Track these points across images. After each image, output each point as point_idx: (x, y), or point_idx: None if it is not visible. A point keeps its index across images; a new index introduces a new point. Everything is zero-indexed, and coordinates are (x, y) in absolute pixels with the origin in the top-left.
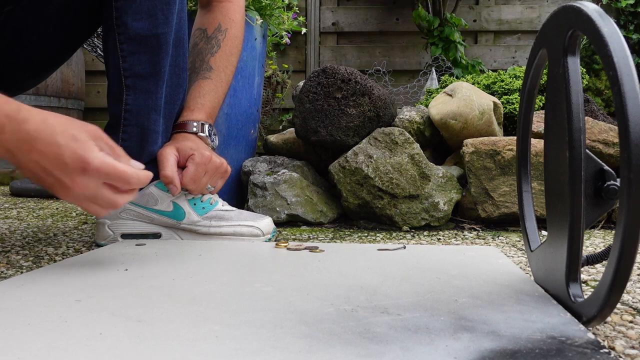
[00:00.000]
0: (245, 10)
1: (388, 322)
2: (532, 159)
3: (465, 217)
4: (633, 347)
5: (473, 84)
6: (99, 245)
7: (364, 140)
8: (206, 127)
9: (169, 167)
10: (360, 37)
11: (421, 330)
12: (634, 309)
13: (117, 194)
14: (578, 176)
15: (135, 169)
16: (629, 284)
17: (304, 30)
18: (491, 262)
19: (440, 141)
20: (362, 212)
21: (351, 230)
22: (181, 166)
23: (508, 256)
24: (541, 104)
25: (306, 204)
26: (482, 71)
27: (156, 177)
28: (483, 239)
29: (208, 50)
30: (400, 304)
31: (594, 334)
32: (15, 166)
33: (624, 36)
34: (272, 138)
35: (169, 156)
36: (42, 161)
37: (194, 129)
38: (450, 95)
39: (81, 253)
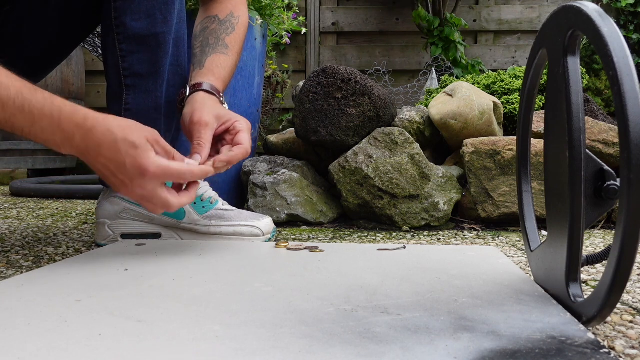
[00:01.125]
0: None
1: (388, 322)
2: (532, 159)
3: (465, 217)
4: (633, 347)
5: (473, 84)
6: (99, 245)
7: (364, 140)
8: (226, 103)
9: (207, 136)
10: (360, 37)
11: (421, 330)
12: (634, 309)
13: (173, 195)
14: (578, 176)
15: (188, 166)
16: (629, 284)
17: (304, 30)
18: (491, 262)
19: (440, 141)
20: (362, 212)
21: (351, 230)
22: (217, 133)
23: (508, 256)
24: (541, 104)
25: (306, 204)
26: (482, 71)
27: None
28: (483, 239)
29: (223, 31)
30: (400, 304)
31: (594, 334)
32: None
33: (624, 36)
34: (272, 138)
35: (209, 128)
36: (108, 164)
37: (222, 98)
38: (450, 95)
39: (81, 253)
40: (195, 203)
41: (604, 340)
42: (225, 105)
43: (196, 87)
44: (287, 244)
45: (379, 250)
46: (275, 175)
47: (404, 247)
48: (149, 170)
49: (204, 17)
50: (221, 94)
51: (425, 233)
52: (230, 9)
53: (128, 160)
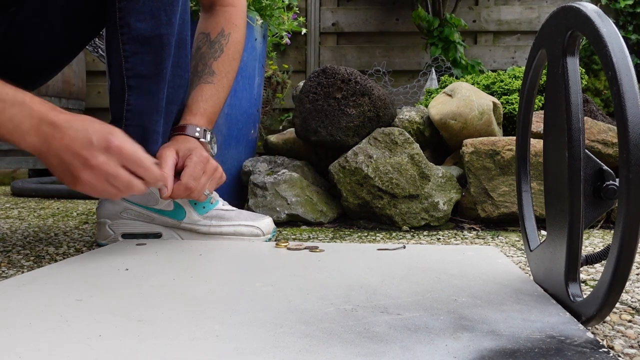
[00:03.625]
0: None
1: (388, 321)
2: (532, 159)
3: (465, 217)
4: (632, 347)
5: (473, 84)
6: (99, 245)
7: (364, 140)
8: (208, 134)
9: (166, 168)
10: (360, 38)
11: (421, 330)
12: (633, 308)
13: (134, 177)
14: (577, 176)
15: (151, 161)
16: (627, 283)
17: (304, 31)
18: (490, 262)
19: (439, 141)
20: (362, 212)
21: (351, 230)
22: (179, 168)
23: (507, 256)
24: (540, 104)
25: (306, 203)
26: (482, 71)
27: None
28: (482, 238)
29: (211, 55)
30: (400, 303)
31: (593, 333)
32: (42, 156)
33: (623, 37)
34: (272, 138)
35: (168, 158)
36: (72, 144)
37: (197, 134)
38: (450, 96)
39: (82, 253)
40: (195, 203)
41: (603, 340)
42: (204, 140)
43: (177, 131)
44: (287, 243)
45: (378, 250)
46: (275, 175)
47: (404, 247)
48: (114, 142)
49: (200, 31)
50: (197, 128)
51: (425, 233)
52: (222, 25)
53: (95, 134)
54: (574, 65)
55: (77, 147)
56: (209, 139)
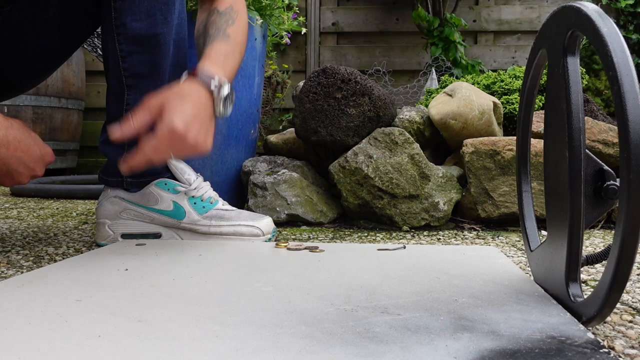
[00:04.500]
0: None
1: (388, 321)
2: (532, 159)
3: (465, 217)
4: (632, 347)
5: (473, 84)
6: (99, 245)
7: (364, 140)
8: (226, 87)
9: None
10: (360, 37)
11: (421, 330)
12: (634, 308)
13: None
14: (578, 176)
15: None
16: (628, 283)
17: (304, 31)
18: (491, 262)
19: (440, 141)
20: (362, 212)
21: (351, 230)
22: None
23: (508, 256)
24: (541, 104)
25: (306, 204)
26: (482, 71)
27: (156, 176)
28: (483, 238)
29: (224, 22)
30: (400, 303)
31: (593, 333)
32: None
33: (624, 36)
34: (272, 138)
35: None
36: (24, 157)
37: (213, 87)
38: (450, 96)
39: (81, 253)
40: (195, 203)
41: (603, 340)
42: (220, 95)
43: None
44: (287, 243)
45: (379, 250)
46: (275, 175)
47: (404, 247)
48: (52, 156)
49: (203, 15)
50: (215, 77)
51: (425, 233)
52: (230, 3)
53: (43, 150)
54: (574, 65)
55: (28, 159)
56: (225, 94)
